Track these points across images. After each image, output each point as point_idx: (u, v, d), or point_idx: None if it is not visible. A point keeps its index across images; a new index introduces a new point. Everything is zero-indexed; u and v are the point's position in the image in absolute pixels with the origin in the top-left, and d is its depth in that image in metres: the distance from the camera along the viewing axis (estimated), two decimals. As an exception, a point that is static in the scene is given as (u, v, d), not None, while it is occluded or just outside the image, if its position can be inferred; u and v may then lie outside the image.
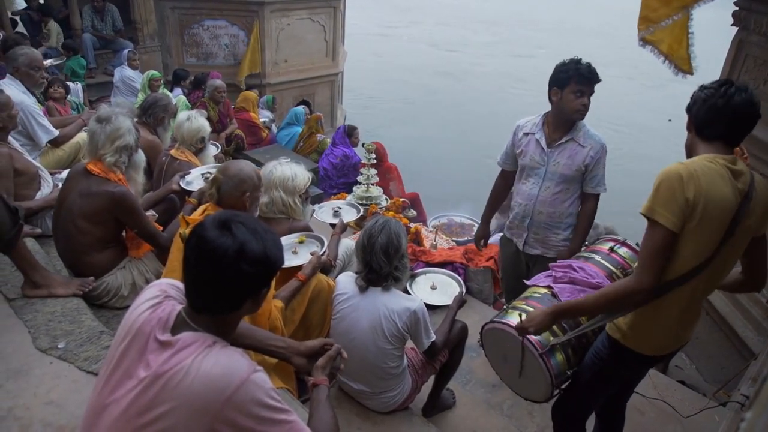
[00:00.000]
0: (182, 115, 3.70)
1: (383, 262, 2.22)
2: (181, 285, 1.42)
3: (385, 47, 21.29)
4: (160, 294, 1.36)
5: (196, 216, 2.40)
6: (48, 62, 6.61)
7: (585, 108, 2.77)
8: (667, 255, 1.71)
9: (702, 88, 1.86)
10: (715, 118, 1.77)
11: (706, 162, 1.71)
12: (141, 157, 2.87)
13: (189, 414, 1.18)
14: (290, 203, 2.68)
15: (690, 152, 1.89)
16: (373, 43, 21.19)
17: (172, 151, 3.59)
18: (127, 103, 3.08)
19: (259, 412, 1.21)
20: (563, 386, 2.17)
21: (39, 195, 3.15)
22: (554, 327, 2.06)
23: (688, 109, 1.89)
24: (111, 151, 2.63)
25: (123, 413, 1.22)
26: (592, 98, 2.78)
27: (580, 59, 2.74)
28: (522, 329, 1.98)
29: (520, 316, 2.04)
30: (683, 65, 3.38)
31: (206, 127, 3.71)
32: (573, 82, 2.71)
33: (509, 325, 2.08)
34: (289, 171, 2.68)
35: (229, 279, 1.24)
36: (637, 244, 2.41)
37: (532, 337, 2.02)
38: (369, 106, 14.42)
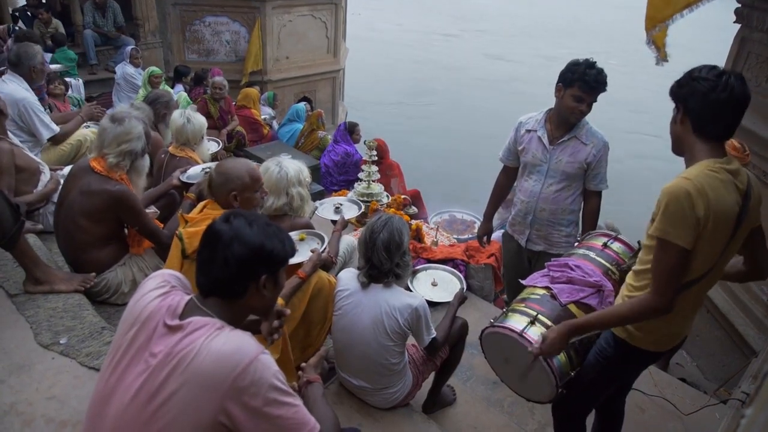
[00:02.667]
0: (177, 116, 3.57)
1: (384, 259, 2.22)
2: (181, 276, 1.48)
3: (437, 54, 19.99)
4: (165, 284, 1.40)
5: (195, 214, 2.39)
6: (56, 67, 6.68)
7: (581, 114, 2.76)
8: (683, 271, 1.69)
9: (697, 78, 1.69)
10: (719, 115, 1.67)
11: (709, 172, 1.64)
12: (146, 162, 2.86)
13: (199, 392, 1.20)
14: (305, 196, 2.71)
15: (681, 146, 1.79)
16: (422, 49, 20.32)
17: (171, 148, 3.56)
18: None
19: (267, 393, 1.23)
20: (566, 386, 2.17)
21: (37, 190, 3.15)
22: None
23: (683, 100, 1.73)
24: (115, 152, 2.62)
25: (133, 398, 1.23)
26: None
27: (594, 63, 2.70)
28: (543, 354, 1.94)
29: (544, 339, 1.96)
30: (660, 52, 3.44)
31: (205, 122, 3.69)
32: (576, 85, 2.68)
33: (510, 329, 2.07)
34: (296, 165, 2.70)
35: (223, 258, 1.33)
36: (639, 241, 2.41)
37: (535, 340, 1.99)
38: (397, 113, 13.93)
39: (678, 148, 1.82)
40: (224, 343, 1.24)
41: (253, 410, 1.22)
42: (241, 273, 1.35)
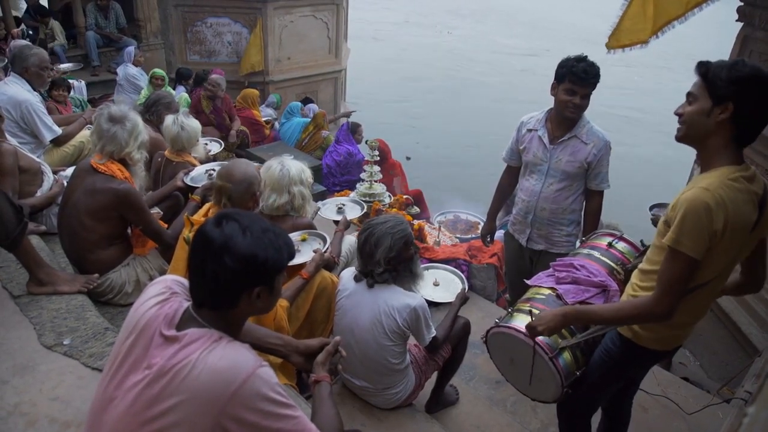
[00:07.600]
0: (170, 123, 3.48)
1: (359, 260, 2.30)
2: (185, 281, 1.44)
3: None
4: (166, 290, 1.38)
5: (200, 217, 2.40)
6: (66, 66, 6.73)
7: (575, 107, 2.75)
8: (690, 280, 1.68)
9: (762, 80, 1.55)
10: (761, 127, 1.61)
11: (729, 182, 1.60)
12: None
13: (195, 408, 1.19)
14: (307, 195, 2.73)
15: (700, 141, 1.68)
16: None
17: (167, 153, 3.53)
18: (127, 100, 3.07)
19: (264, 407, 1.22)
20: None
21: (40, 191, 3.17)
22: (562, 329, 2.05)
23: (736, 100, 1.57)
24: (135, 147, 2.69)
25: (129, 408, 1.23)
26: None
27: (585, 57, 2.70)
28: (532, 329, 1.94)
29: (530, 313, 2.02)
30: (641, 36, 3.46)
31: (199, 127, 3.62)
32: (567, 79, 2.70)
33: (515, 329, 2.06)
34: (299, 165, 2.72)
35: (213, 271, 1.26)
36: (641, 242, 2.41)
37: (541, 340, 2.00)
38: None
39: (694, 140, 1.70)
40: (220, 358, 1.21)
41: (251, 425, 1.21)
42: (233, 286, 1.29)
